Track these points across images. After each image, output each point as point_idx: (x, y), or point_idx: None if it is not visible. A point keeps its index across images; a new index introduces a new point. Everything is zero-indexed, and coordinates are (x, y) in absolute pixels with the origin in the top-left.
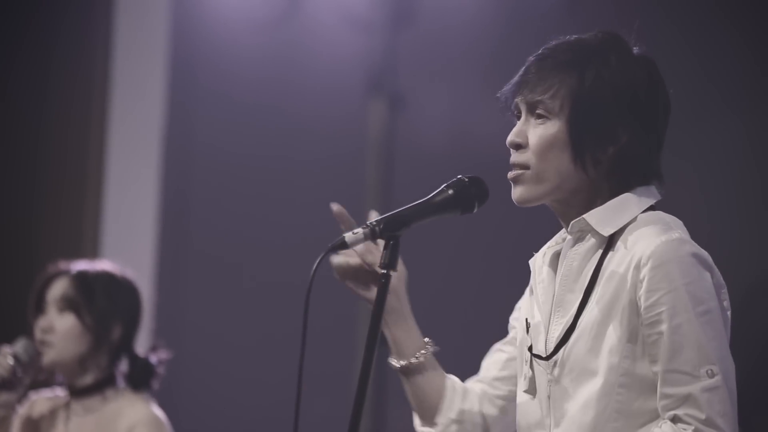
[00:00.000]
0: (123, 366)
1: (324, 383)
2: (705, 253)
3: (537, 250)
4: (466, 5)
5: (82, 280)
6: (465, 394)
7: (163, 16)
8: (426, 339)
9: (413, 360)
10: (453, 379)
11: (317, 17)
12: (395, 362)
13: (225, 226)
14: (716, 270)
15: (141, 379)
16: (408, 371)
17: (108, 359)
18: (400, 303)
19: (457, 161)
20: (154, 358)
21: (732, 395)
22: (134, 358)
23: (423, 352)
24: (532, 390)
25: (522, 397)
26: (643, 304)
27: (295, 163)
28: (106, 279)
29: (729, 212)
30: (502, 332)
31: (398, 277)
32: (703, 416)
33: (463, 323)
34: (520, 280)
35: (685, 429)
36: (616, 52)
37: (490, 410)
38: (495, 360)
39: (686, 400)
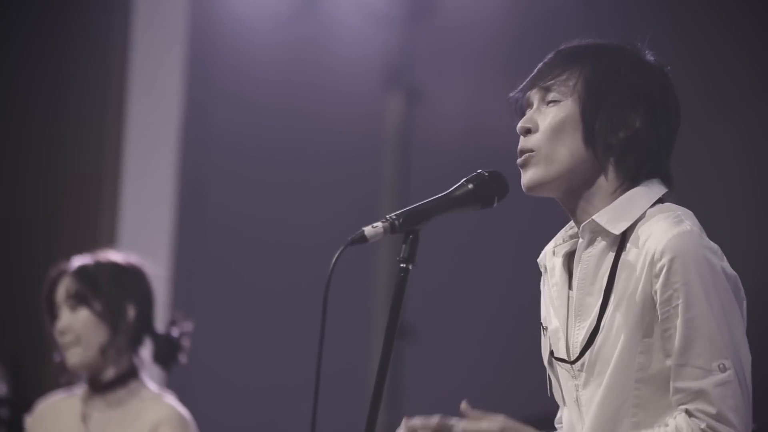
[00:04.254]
0: (145, 353)
1: (340, 378)
2: (715, 246)
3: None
4: (482, 0)
5: (84, 272)
6: None
7: (181, 15)
8: None
9: None
10: None
11: (334, 13)
12: None
13: (241, 224)
14: (726, 261)
15: (167, 355)
16: None
17: (128, 343)
18: None
19: (474, 156)
20: (176, 332)
21: (745, 389)
22: (156, 336)
23: None
24: (558, 395)
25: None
26: (658, 299)
27: (311, 160)
28: (109, 266)
29: (730, 212)
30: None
31: None
32: (714, 411)
33: (476, 318)
34: (535, 275)
35: (697, 424)
36: (630, 50)
37: None
38: None
39: (698, 395)
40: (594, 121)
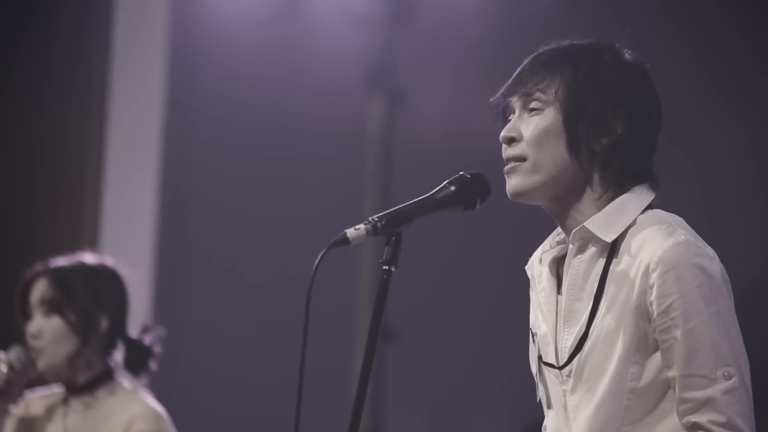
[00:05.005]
0: (118, 355)
1: (324, 379)
2: (710, 251)
3: (533, 250)
4: (465, 2)
5: (59, 278)
6: None
7: (163, 14)
8: None
9: None
10: None
11: (316, 14)
12: None
13: (224, 224)
14: (721, 265)
15: (139, 361)
16: None
17: (99, 352)
18: None
19: (456, 158)
20: (148, 339)
21: (749, 394)
22: (129, 343)
23: None
24: (547, 401)
25: (544, 409)
26: (655, 310)
27: (293, 160)
28: (84, 272)
29: (729, 211)
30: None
31: None
32: (723, 419)
33: (458, 320)
34: (517, 278)
35: None
36: (609, 52)
37: None
38: None
39: (705, 404)
40: (576, 129)
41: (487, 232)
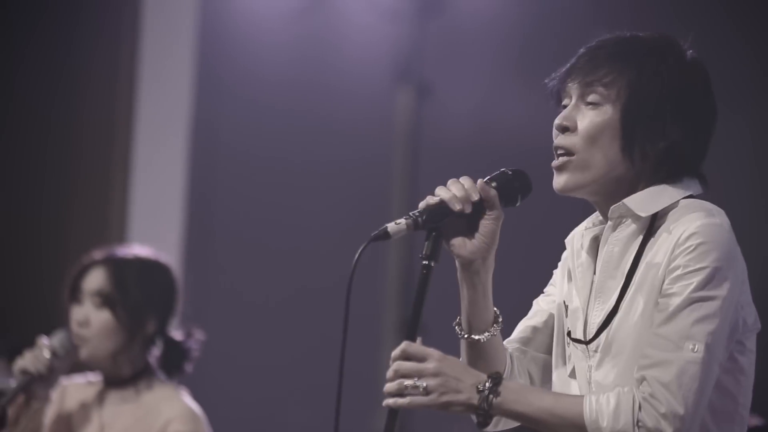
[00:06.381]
0: (156, 351)
1: (351, 378)
2: (738, 249)
3: (558, 244)
4: None
5: (118, 273)
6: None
7: (190, 13)
8: (496, 310)
9: (486, 335)
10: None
11: (344, 9)
12: (467, 336)
13: (250, 221)
14: (745, 269)
15: (175, 363)
16: (477, 345)
17: (141, 349)
18: (486, 275)
19: (483, 151)
20: (189, 342)
21: (704, 383)
22: (169, 343)
23: (495, 326)
24: (572, 374)
25: (562, 381)
26: (668, 276)
27: (321, 155)
28: (141, 270)
29: (732, 211)
30: (518, 320)
31: (489, 241)
32: (666, 380)
33: None
34: (543, 272)
35: (642, 391)
36: (673, 52)
37: (537, 374)
38: (529, 326)
39: (660, 364)
40: (633, 131)
41: (513, 227)
